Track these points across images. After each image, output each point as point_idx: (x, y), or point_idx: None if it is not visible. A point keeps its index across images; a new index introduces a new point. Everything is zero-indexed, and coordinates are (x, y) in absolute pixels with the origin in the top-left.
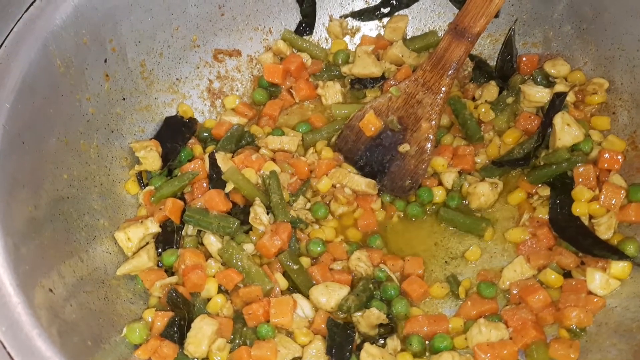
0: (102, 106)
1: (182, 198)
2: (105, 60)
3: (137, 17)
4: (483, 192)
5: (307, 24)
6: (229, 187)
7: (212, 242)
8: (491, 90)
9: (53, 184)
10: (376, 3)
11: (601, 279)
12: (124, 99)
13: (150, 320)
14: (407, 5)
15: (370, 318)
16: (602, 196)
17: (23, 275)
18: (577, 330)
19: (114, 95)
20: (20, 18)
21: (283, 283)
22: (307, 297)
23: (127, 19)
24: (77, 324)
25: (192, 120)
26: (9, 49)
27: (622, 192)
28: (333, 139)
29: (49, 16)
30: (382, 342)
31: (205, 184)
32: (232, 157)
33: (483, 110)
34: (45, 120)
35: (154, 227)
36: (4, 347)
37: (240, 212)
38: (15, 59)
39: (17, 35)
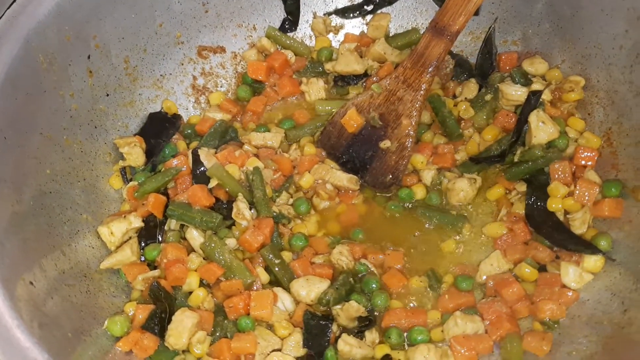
0: (86, 102)
1: (165, 193)
2: (89, 57)
3: (121, 13)
4: (462, 188)
5: (291, 21)
6: (213, 183)
7: (195, 237)
8: (471, 87)
9: (36, 179)
10: (359, 1)
11: (575, 273)
12: (107, 95)
13: (131, 313)
14: (390, 3)
15: (349, 311)
16: (577, 191)
17: (4, 269)
18: (551, 322)
19: (97, 92)
20: (3, 15)
21: (264, 277)
22: (288, 290)
23: (110, 16)
24: (58, 316)
25: (176, 117)
26: None
27: (596, 187)
28: (316, 135)
29: (32, 13)
30: (361, 334)
31: (188, 180)
32: (216, 152)
33: (463, 107)
34: (28, 116)
35: (137, 222)
36: None
37: (223, 208)
38: None
39: None
